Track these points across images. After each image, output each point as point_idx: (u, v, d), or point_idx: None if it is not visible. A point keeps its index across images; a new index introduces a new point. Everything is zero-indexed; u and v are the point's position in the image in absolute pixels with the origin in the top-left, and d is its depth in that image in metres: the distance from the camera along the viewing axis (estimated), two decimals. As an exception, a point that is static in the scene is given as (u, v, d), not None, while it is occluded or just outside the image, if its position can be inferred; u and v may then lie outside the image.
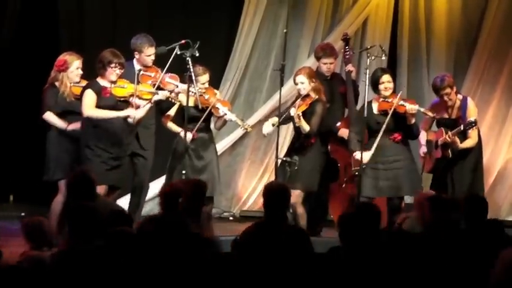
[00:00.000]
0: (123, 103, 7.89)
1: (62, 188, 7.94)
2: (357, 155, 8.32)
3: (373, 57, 8.65)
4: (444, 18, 10.57)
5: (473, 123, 8.35)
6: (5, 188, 10.22)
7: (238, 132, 10.19)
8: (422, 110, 8.42)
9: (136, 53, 8.41)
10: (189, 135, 8.19)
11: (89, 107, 7.71)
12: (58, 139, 7.98)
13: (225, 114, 8.36)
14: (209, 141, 8.48)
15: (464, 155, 8.56)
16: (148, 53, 8.37)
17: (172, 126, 8.42)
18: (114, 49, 7.99)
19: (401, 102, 8.35)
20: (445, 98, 8.50)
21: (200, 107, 8.25)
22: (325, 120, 8.61)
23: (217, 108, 8.36)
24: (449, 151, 8.51)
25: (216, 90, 8.62)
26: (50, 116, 8.01)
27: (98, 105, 7.76)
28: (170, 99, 8.12)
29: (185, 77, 8.14)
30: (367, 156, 8.28)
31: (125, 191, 8.57)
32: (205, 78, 8.35)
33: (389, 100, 8.35)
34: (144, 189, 8.55)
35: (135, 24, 9.98)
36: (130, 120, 7.90)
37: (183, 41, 8.15)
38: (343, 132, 8.77)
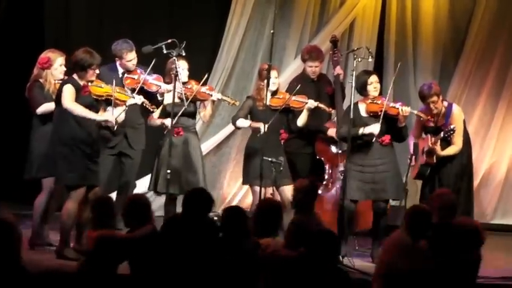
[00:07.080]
0: (98, 102, 7.81)
1: (46, 186, 7.88)
2: (367, 129, 8.22)
3: (359, 59, 8.53)
4: (431, 21, 10.56)
5: (452, 131, 8.29)
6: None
7: (223, 133, 10.18)
8: (415, 112, 8.38)
9: (117, 58, 8.34)
10: (167, 122, 8.12)
11: (70, 99, 7.58)
12: (43, 137, 7.88)
13: (211, 95, 8.30)
14: (194, 141, 8.41)
15: (450, 160, 8.50)
16: (129, 59, 8.28)
17: (155, 121, 8.36)
18: (88, 48, 7.82)
19: (392, 104, 8.30)
20: (431, 106, 8.44)
21: (185, 98, 8.16)
22: (312, 121, 8.59)
23: (202, 92, 8.29)
24: (434, 158, 8.45)
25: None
26: (45, 106, 7.88)
27: (76, 103, 7.65)
28: (145, 105, 8.05)
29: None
30: (377, 127, 8.22)
31: (111, 190, 8.50)
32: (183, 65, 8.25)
33: (378, 102, 8.29)
34: (130, 187, 8.52)
35: (121, 23, 9.96)
36: (109, 124, 7.81)
37: (169, 40, 8.08)
38: (332, 132, 8.73)
